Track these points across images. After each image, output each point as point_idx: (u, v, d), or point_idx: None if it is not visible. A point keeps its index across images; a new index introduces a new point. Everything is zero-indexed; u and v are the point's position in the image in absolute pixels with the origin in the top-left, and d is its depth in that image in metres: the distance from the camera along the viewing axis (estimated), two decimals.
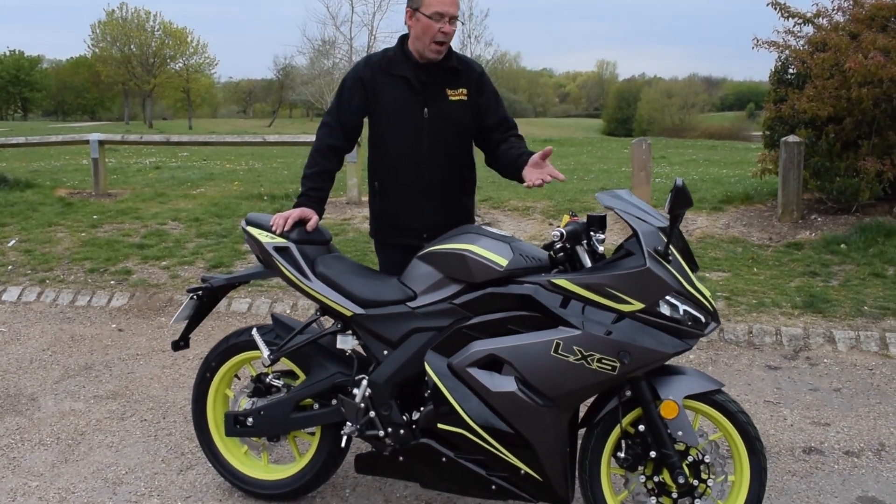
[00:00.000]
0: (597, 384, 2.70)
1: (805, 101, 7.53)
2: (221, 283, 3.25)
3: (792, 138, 7.53)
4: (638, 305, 2.66)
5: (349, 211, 9.10)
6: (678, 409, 2.74)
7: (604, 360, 2.65)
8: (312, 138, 3.38)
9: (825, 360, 5.01)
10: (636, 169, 8.18)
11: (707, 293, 2.76)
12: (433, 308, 2.91)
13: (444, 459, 2.88)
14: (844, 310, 5.62)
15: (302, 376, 3.20)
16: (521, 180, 3.13)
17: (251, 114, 71.47)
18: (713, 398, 2.82)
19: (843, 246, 6.90)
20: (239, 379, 3.61)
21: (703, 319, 2.72)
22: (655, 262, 2.64)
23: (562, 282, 2.72)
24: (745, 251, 7.11)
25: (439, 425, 2.85)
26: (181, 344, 3.39)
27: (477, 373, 2.77)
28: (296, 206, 3.24)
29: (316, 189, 3.24)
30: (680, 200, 2.51)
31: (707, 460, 2.81)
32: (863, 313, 5.54)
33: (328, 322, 3.19)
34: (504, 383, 2.74)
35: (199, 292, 3.24)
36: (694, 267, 2.77)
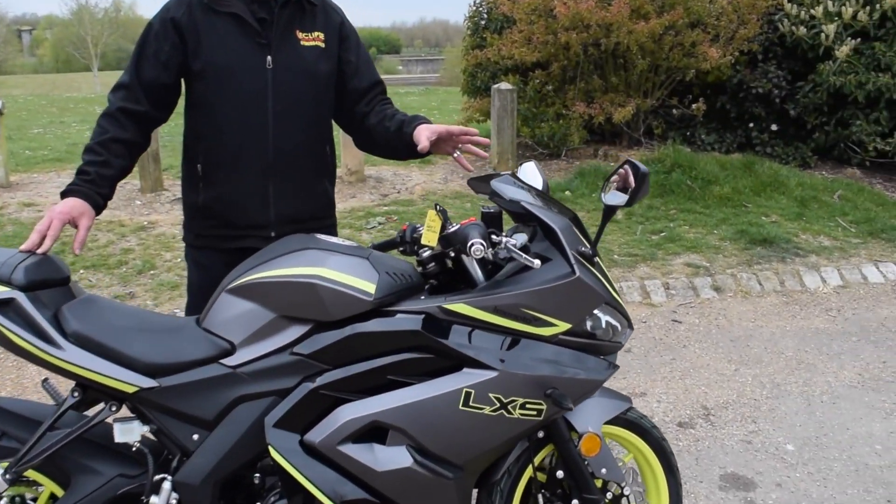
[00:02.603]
0: (518, 435, 2.02)
1: (511, 45, 7.38)
2: None
3: (504, 86, 7.36)
4: (563, 326, 2.00)
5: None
6: (601, 442, 2.17)
7: (528, 405, 1.96)
8: None
9: None
10: None
11: (618, 294, 2.21)
12: (266, 363, 1.96)
13: None
14: None
15: (58, 491, 2.05)
16: (413, 155, 2.32)
17: None
18: (626, 418, 2.31)
19: (567, 193, 6.92)
20: None
21: (619, 328, 2.18)
22: (584, 268, 2.00)
23: (459, 307, 1.95)
24: (474, 206, 6.82)
25: None
26: None
27: (352, 450, 1.91)
28: (64, 193, 2.14)
29: (97, 164, 2.16)
30: (643, 190, 1.90)
31: (626, 492, 2.30)
32: (616, 263, 5.52)
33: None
34: (394, 457, 1.92)
35: None
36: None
